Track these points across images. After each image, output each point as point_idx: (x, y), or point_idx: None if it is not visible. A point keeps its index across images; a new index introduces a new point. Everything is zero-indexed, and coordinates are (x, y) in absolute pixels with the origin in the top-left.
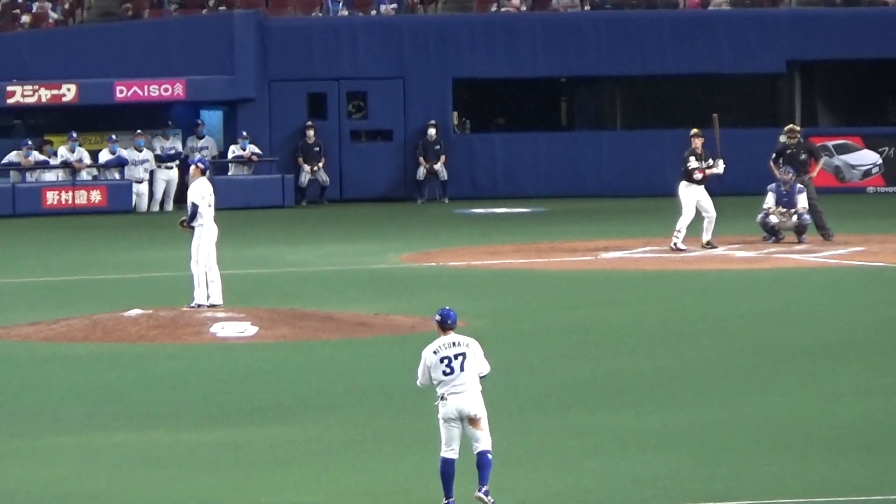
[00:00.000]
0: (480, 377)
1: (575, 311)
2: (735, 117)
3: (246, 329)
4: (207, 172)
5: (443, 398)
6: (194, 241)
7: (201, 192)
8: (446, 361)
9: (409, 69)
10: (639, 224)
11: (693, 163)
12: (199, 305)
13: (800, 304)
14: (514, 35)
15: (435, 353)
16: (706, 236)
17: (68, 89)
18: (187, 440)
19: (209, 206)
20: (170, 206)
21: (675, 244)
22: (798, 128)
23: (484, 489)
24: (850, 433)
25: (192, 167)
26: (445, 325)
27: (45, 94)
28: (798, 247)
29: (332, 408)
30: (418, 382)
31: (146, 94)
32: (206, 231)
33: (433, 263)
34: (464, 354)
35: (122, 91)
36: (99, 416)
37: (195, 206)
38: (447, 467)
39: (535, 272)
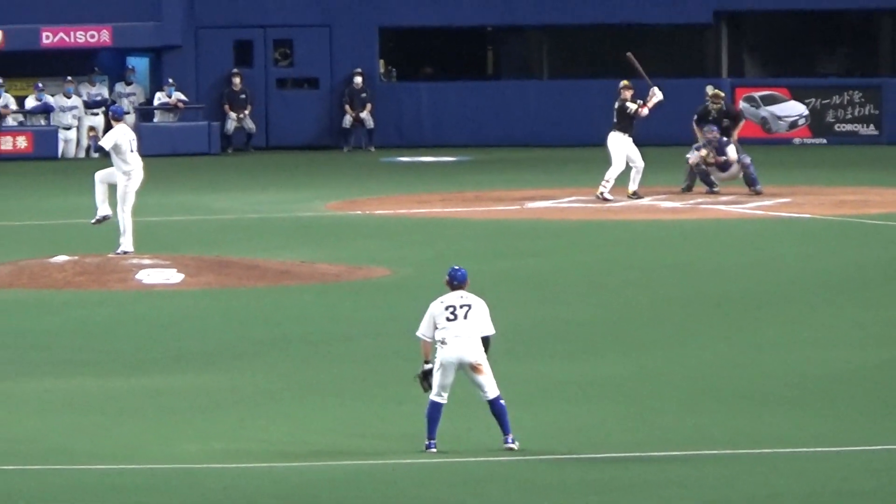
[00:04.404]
0: (484, 337)
1: (500, 261)
2: (662, 68)
3: (171, 276)
4: (125, 118)
5: (443, 342)
6: (120, 188)
7: (115, 137)
8: (451, 309)
9: (336, 17)
10: (565, 174)
11: (632, 105)
12: (126, 252)
13: (726, 255)
14: None
15: (442, 302)
16: (633, 186)
17: None
18: (113, 387)
19: (131, 150)
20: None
21: (601, 193)
22: (722, 94)
23: (510, 438)
24: (775, 385)
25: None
26: (453, 284)
27: None
28: (724, 198)
29: (257, 356)
30: (418, 333)
31: (72, 40)
32: (134, 178)
33: (359, 212)
34: (469, 306)
35: (48, 37)
36: (25, 362)
37: (101, 147)
38: (434, 411)
39: (461, 221)
